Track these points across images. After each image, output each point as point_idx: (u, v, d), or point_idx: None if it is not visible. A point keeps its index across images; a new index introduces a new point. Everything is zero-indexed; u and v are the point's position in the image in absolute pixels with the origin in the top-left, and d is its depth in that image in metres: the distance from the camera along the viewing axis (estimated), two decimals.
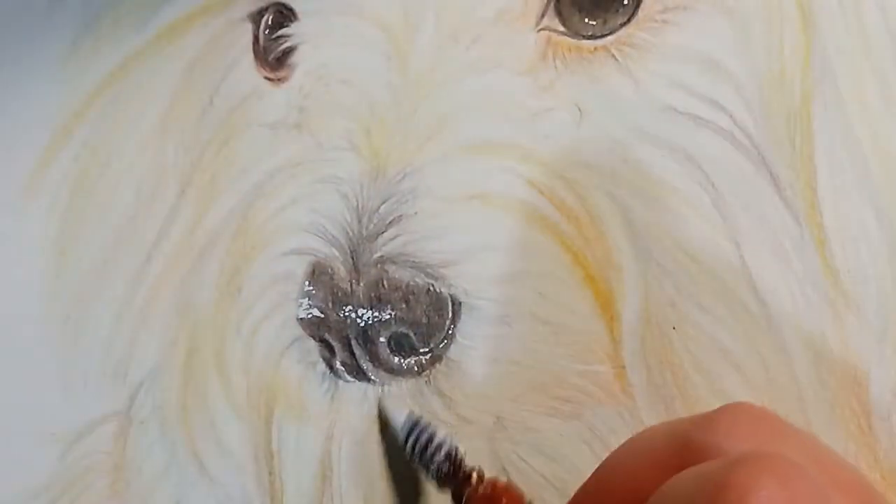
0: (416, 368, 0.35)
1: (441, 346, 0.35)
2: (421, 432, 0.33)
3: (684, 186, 0.33)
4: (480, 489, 0.31)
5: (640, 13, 0.34)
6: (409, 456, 0.33)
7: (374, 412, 0.35)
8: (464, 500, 0.32)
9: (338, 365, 0.35)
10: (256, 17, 0.40)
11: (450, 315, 0.34)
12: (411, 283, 0.34)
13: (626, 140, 0.34)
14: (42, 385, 0.40)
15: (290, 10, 0.39)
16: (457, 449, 0.33)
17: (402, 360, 0.35)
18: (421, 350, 0.35)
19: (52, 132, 0.41)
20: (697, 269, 0.33)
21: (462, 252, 0.35)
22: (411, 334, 0.34)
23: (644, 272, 0.33)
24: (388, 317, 0.35)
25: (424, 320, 0.34)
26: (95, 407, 0.39)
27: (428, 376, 0.35)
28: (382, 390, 0.35)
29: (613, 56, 0.35)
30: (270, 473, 0.37)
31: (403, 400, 0.35)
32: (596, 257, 0.34)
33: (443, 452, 0.33)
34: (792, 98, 0.33)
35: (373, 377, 0.35)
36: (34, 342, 0.40)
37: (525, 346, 0.34)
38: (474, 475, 0.32)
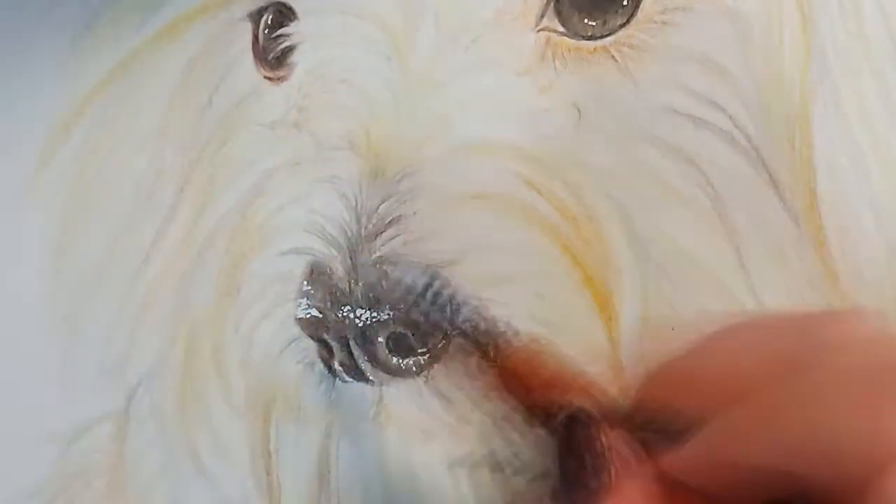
0: (414, 369, 0.35)
1: (440, 346, 0.34)
2: (438, 292, 0.32)
3: (683, 187, 0.33)
4: (514, 350, 0.30)
5: (640, 14, 0.34)
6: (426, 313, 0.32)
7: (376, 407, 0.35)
8: (497, 365, 0.31)
9: (336, 365, 0.35)
10: (256, 17, 0.40)
11: (448, 315, 0.34)
12: (410, 283, 0.34)
13: (626, 141, 0.34)
14: (40, 384, 0.40)
15: (290, 9, 0.39)
16: (480, 309, 0.31)
17: (401, 361, 0.35)
18: (419, 350, 0.35)
19: (52, 131, 0.41)
20: (696, 270, 0.33)
21: (461, 252, 0.35)
22: (410, 335, 0.34)
23: (643, 273, 0.33)
24: (386, 317, 0.34)
25: (423, 321, 0.34)
26: (93, 406, 0.39)
27: (426, 377, 0.35)
28: (381, 390, 0.35)
29: (613, 57, 0.35)
30: (268, 473, 0.37)
31: (402, 400, 0.35)
32: (594, 258, 0.34)
33: (465, 312, 0.32)
34: (791, 99, 0.33)
35: (371, 377, 0.35)
36: (33, 341, 0.40)
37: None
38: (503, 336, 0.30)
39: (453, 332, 0.32)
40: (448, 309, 0.32)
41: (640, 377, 0.27)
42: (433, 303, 0.32)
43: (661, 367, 0.27)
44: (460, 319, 0.32)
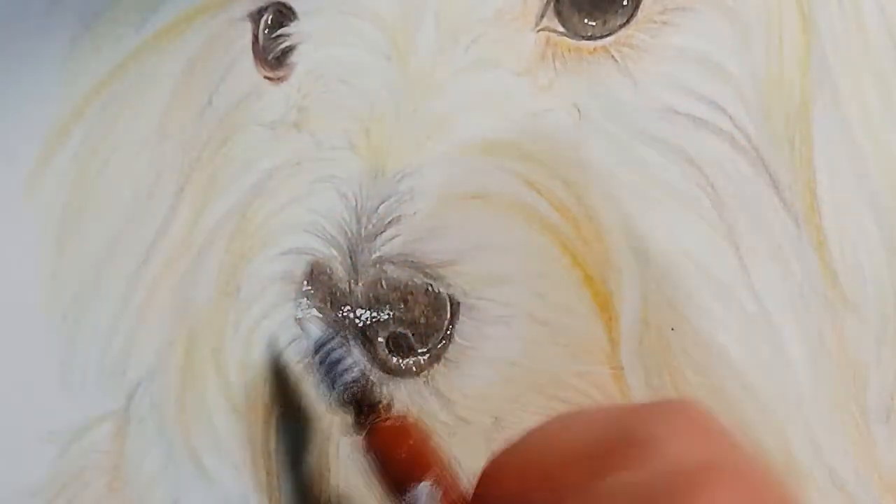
0: (414, 369, 0.35)
1: (439, 346, 0.35)
2: (333, 349, 0.33)
3: (683, 187, 0.33)
4: (389, 421, 0.31)
5: (640, 14, 0.34)
6: (316, 370, 0.33)
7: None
8: (367, 430, 0.31)
9: None
10: (256, 17, 0.40)
11: (448, 315, 0.34)
12: (410, 283, 0.34)
13: (626, 141, 0.34)
14: (40, 384, 0.40)
15: (290, 9, 0.39)
16: (369, 376, 0.33)
17: (401, 361, 0.35)
18: (419, 350, 0.35)
19: (51, 131, 0.41)
20: (696, 270, 0.33)
21: (461, 252, 0.35)
22: (409, 334, 0.34)
23: (642, 273, 0.33)
24: (386, 317, 0.34)
25: (423, 320, 0.34)
26: (93, 406, 0.39)
27: (426, 377, 0.35)
28: (380, 390, 0.35)
29: (613, 57, 0.35)
30: (268, 473, 0.37)
31: (402, 400, 0.35)
32: (594, 258, 0.34)
33: (352, 375, 0.33)
34: (791, 99, 0.33)
35: (371, 378, 0.35)
36: (33, 341, 0.40)
37: (523, 347, 0.34)
38: (382, 404, 0.32)
39: (335, 392, 0.33)
40: (335, 369, 0.33)
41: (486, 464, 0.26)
42: (322, 361, 0.33)
43: (502, 454, 0.26)
44: (346, 380, 0.33)
